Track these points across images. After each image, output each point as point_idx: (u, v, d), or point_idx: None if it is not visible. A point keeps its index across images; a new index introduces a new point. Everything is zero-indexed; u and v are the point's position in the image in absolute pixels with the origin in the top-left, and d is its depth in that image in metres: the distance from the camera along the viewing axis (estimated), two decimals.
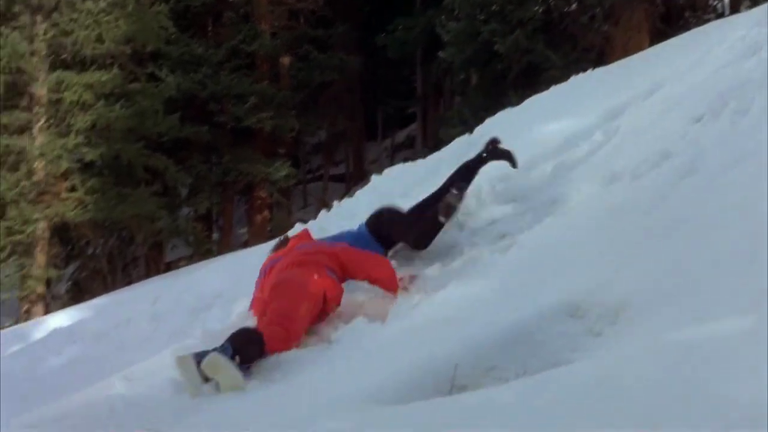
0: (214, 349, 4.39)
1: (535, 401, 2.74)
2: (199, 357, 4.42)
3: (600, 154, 6.12)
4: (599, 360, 2.97)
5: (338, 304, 5.27)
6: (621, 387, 2.55)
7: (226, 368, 4.27)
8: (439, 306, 4.42)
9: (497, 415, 2.79)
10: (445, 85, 23.84)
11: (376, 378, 3.52)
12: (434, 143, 18.31)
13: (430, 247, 5.93)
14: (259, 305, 5.34)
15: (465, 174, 6.34)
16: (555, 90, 9.56)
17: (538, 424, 2.50)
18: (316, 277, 5.14)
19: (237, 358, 4.34)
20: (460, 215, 6.04)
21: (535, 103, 9.38)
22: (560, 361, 3.17)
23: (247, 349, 4.45)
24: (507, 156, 6.43)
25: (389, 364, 3.64)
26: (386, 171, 9.84)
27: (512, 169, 6.37)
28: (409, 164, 9.90)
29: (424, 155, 11.53)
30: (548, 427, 2.45)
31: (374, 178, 9.66)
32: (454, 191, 5.77)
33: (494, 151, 6.49)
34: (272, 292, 5.11)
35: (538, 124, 7.72)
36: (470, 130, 9.62)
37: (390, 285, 5.25)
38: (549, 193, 5.84)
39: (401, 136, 27.20)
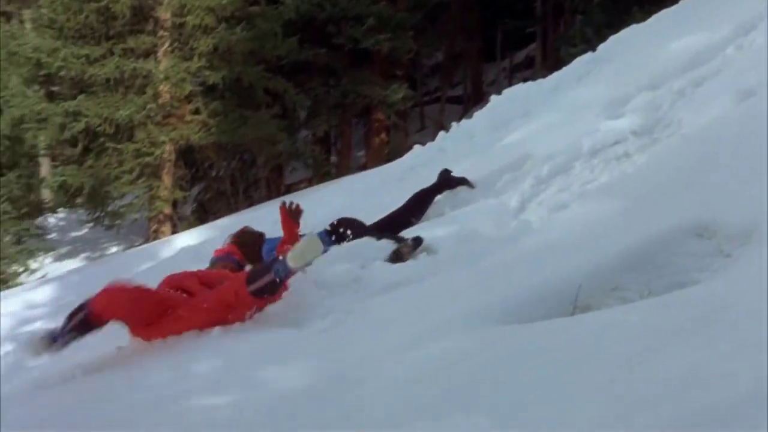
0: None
1: (660, 322, 2.69)
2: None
3: (732, 69, 5.84)
4: (729, 281, 2.88)
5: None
6: (751, 308, 2.47)
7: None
8: (560, 227, 4.36)
9: (621, 335, 2.75)
10: (565, 3, 23.15)
11: (497, 298, 3.52)
12: (554, 63, 17.86)
13: (544, 171, 5.83)
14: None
15: (419, 204, 6.42)
16: (684, 3, 9.13)
17: (664, 345, 2.46)
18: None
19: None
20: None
21: (662, 18, 8.99)
22: (687, 281, 3.09)
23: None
24: (462, 182, 6.54)
25: (511, 285, 3.62)
26: (505, 91, 9.70)
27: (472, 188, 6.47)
28: (529, 84, 9.72)
29: (543, 75, 11.30)
30: (675, 347, 2.41)
31: (493, 99, 9.54)
32: (409, 242, 5.47)
33: (448, 180, 6.59)
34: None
35: (666, 40, 7.40)
36: (593, 48, 9.34)
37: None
38: (674, 113, 5.63)
39: (520, 56, 26.62)
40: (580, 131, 6.06)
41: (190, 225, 16.69)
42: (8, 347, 6.86)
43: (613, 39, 9.15)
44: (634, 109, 5.90)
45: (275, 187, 18.74)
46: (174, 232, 16.01)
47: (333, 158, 22.30)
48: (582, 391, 2.44)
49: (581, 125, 6.21)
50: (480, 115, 9.35)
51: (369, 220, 6.50)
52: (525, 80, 11.01)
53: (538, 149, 6.40)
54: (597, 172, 5.32)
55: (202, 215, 17.98)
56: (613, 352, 2.65)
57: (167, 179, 16.78)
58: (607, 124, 5.82)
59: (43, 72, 15.87)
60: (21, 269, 17.51)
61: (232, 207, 16.58)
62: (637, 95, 6.14)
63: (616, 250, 3.47)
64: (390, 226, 6.06)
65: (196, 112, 16.69)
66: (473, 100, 23.52)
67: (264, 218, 10.44)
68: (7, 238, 17.72)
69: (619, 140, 5.56)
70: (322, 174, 18.80)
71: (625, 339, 2.70)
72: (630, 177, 4.76)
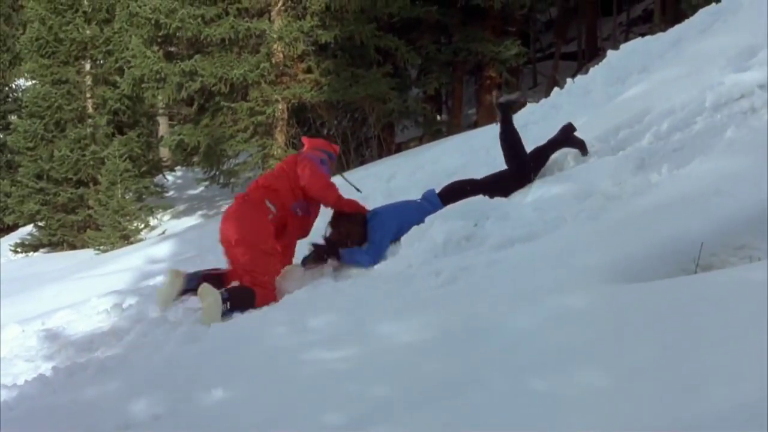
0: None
1: None
2: (190, 277, 5.67)
3: None
4: None
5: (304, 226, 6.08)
6: None
7: (215, 302, 5.30)
8: (683, 183, 4.22)
9: (747, 294, 2.66)
10: None
11: (616, 255, 3.45)
12: (674, 16, 17.26)
13: (664, 126, 5.65)
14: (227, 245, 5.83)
15: (537, 159, 6.19)
16: None
17: None
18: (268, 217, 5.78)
19: (228, 304, 5.34)
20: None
21: None
22: None
23: (239, 299, 5.42)
24: (580, 145, 6.16)
25: (629, 242, 3.54)
26: (623, 46, 9.44)
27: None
28: (647, 38, 9.43)
29: (662, 29, 10.94)
30: None
31: (610, 54, 9.30)
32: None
33: (570, 138, 6.25)
34: (237, 245, 5.71)
35: None
36: None
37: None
38: None
39: (637, 9, 25.81)
40: (702, 85, 5.85)
41: None
42: (132, 300, 7.13)
43: None
44: (762, 61, 5.64)
45: (386, 146, 18.77)
46: None
47: (444, 116, 22.20)
48: (702, 352, 2.38)
49: (704, 79, 5.99)
50: (596, 71, 9.14)
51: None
52: (642, 35, 10.70)
53: (658, 104, 6.21)
54: (721, 127, 5.12)
55: None
56: (737, 311, 2.57)
57: (280, 138, 17.01)
58: (732, 77, 5.58)
59: (161, 33, 16.23)
60: (142, 226, 18.12)
61: (343, 165, 16.69)
62: (766, 47, 5.87)
63: (741, 208, 3.36)
64: (507, 182, 5.97)
65: (309, 71, 16.81)
66: (588, 56, 22.97)
67: (376, 176, 10.51)
68: (129, 196, 18.35)
69: (744, 94, 5.34)
70: (432, 132, 18.73)
71: (751, 298, 2.61)
72: (757, 132, 4.56)
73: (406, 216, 5.73)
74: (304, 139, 6.41)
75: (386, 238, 5.65)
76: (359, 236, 5.76)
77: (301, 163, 5.94)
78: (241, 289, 5.54)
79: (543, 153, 6.26)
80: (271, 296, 5.49)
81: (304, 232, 6.17)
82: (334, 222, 5.90)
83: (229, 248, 5.77)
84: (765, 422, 1.92)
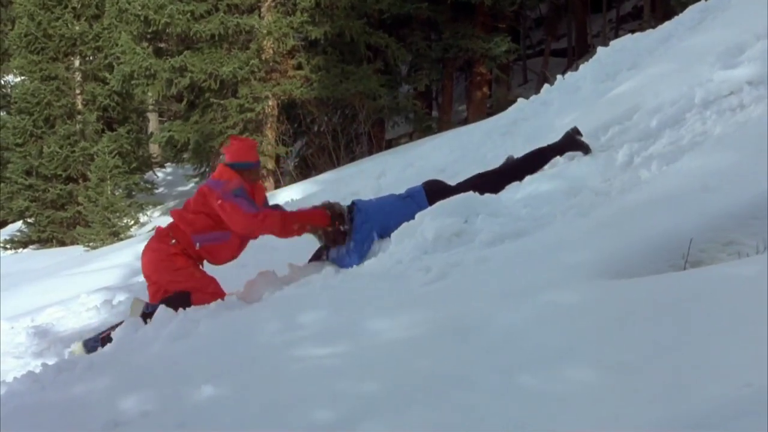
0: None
1: None
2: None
3: None
4: None
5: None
6: None
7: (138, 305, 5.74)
8: (672, 179, 4.23)
9: (735, 290, 2.67)
10: None
11: (605, 252, 3.45)
12: (663, 13, 17.29)
13: (653, 123, 5.66)
14: None
15: (539, 160, 6.06)
16: None
17: None
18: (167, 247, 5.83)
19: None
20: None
21: None
22: None
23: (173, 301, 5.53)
24: (584, 148, 5.99)
25: (619, 239, 3.55)
26: (613, 43, 9.47)
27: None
28: (637, 35, 9.45)
29: (652, 26, 10.97)
30: None
31: (600, 51, 9.32)
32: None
33: (574, 141, 6.07)
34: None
35: None
36: None
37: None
38: None
39: (627, 6, 25.87)
40: (692, 82, 5.85)
41: (293, 179, 16.89)
42: (121, 297, 7.12)
43: None
44: (751, 58, 5.65)
45: (377, 142, 18.74)
46: (277, 186, 16.23)
47: (434, 113, 22.18)
48: (692, 348, 2.38)
49: (693, 76, 6.00)
50: (586, 68, 9.16)
51: (470, 174, 6.45)
52: (632, 32, 10.71)
53: (647, 101, 6.22)
54: (710, 123, 5.13)
55: (305, 170, 18.16)
56: (727, 307, 2.57)
57: (270, 134, 17.00)
58: (721, 74, 5.59)
59: (151, 29, 16.19)
60: (131, 222, 18.10)
61: (333, 162, 16.68)
62: (755, 44, 5.87)
63: (730, 204, 3.36)
64: (501, 179, 5.95)
65: (299, 67, 16.80)
66: (578, 52, 22.98)
67: (366, 173, 10.52)
68: (118, 192, 18.32)
69: (734, 90, 5.34)
70: (423, 128, 18.71)
71: (739, 294, 2.62)
72: (745, 128, 4.57)
73: (390, 211, 5.73)
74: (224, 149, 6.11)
75: (369, 239, 5.64)
76: (339, 237, 5.77)
77: (220, 208, 5.68)
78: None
79: (547, 155, 6.21)
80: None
81: (219, 260, 6.07)
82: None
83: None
84: (757, 418, 1.93)
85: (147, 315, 5.60)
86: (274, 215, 5.70)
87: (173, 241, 5.79)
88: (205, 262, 5.99)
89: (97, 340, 5.61)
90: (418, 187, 6.05)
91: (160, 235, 5.88)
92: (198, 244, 5.78)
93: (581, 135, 6.13)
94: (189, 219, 5.80)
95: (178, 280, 5.71)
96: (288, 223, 5.71)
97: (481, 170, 6.42)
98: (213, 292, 5.66)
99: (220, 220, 5.70)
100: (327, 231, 5.79)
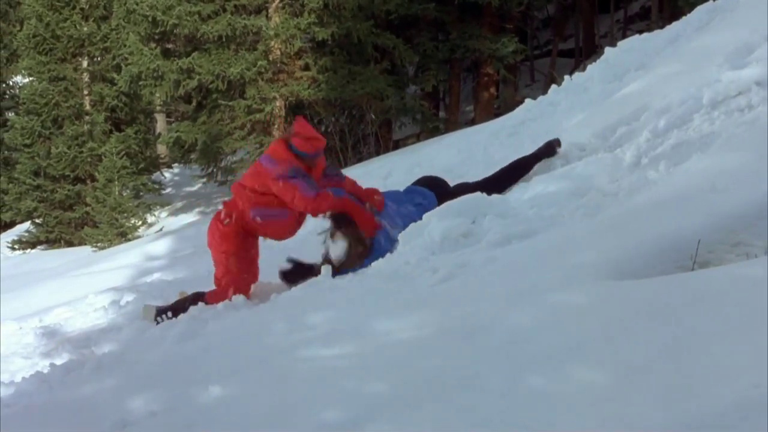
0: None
1: None
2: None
3: None
4: None
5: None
6: None
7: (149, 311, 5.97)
8: (680, 180, 4.22)
9: (744, 291, 2.66)
10: None
11: (613, 253, 3.44)
12: (671, 13, 17.26)
13: (661, 124, 5.66)
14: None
15: (521, 170, 6.35)
16: None
17: None
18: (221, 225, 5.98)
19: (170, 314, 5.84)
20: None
21: None
22: None
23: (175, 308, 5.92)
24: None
25: (627, 239, 3.54)
26: (620, 43, 9.45)
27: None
28: (645, 35, 9.43)
29: (660, 26, 10.94)
30: None
31: (607, 51, 9.30)
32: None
33: (553, 149, 6.49)
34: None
35: None
36: None
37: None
38: None
39: (635, 7, 25.81)
40: (700, 82, 5.84)
41: None
42: (129, 297, 7.13)
43: None
44: (759, 58, 5.64)
45: (384, 143, 18.72)
46: None
47: (441, 113, 22.16)
48: (700, 349, 2.38)
49: (701, 76, 5.99)
50: (593, 68, 9.14)
51: (479, 175, 6.45)
52: (640, 32, 10.69)
53: (655, 102, 6.21)
54: (718, 124, 5.12)
55: None
56: (735, 308, 2.57)
57: (277, 135, 16.95)
58: (729, 74, 5.58)
59: (158, 30, 16.21)
60: (139, 223, 18.14)
61: (341, 162, 16.67)
62: (763, 44, 5.86)
63: (739, 205, 3.35)
64: (484, 189, 5.90)
65: (306, 68, 16.79)
66: (585, 53, 22.94)
67: (373, 173, 10.51)
68: (126, 193, 18.35)
69: (742, 91, 5.33)
70: (430, 129, 18.69)
71: (747, 295, 2.62)
72: (754, 129, 4.56)
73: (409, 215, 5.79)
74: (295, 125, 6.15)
75: (388, 249, 5.59)
76: (363, 257, 5.67)
77: (279, 189, 5.79)
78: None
79: (526, 164, 6.33)
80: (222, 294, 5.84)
81: (279, 235, 6.21)
82: (335, 239, 5.72)
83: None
84: (763, 420, 1.92)
85: (162, 311, 5.87)
86: (329, 200, 5.76)
87: (227, 220, 5.92)
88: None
89: (170, 310, 5.89)
90: (429, 192, 6.09)
91: (218, 212, 6.07)
92: (258, 218, 5.89)
93: (560, 147, 6.45)
94: (247, 195, 5.91)
95: (219, 262, 6.01)
96: (340, 208, 5.78)
97: (488, 171, 6.43)
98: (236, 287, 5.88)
99: (280, 198, 5.85)
100: (356, 241, 5.68)
